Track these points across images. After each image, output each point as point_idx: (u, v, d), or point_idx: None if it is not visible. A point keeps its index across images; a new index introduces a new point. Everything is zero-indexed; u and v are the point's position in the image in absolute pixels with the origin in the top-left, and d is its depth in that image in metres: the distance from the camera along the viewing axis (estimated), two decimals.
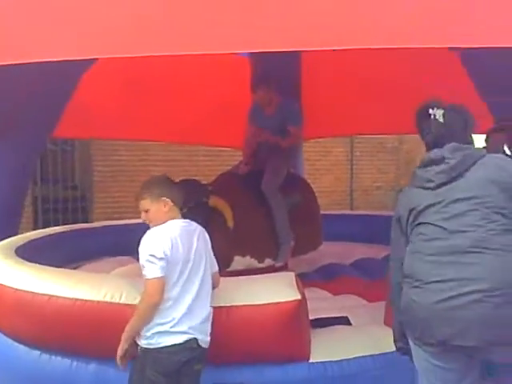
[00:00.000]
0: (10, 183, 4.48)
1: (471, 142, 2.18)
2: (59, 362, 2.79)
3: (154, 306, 2.25)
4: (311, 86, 5.63)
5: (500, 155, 2.23)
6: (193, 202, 3.83)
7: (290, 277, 2.85)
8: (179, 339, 2.27)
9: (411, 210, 2.10)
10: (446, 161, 2.05)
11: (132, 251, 4.90)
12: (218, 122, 6.06)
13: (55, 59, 1.95)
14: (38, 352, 2.85)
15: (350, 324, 3.16)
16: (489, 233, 1.93)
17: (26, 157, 4.63)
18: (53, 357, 2.81)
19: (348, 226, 5.74)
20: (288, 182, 4.47)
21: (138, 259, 5.20)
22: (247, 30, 1.86)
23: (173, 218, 2.41)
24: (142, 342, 2.31)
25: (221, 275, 2.86)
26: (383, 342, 2.83)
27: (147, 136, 6.64)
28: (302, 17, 1.80)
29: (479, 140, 2.52)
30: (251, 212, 4.18)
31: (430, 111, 2.15)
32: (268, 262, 4.21)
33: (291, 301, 2.61)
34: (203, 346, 2.34)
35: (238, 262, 4.04)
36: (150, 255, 2.25)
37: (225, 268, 3.97)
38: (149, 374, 2.25)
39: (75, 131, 5.78)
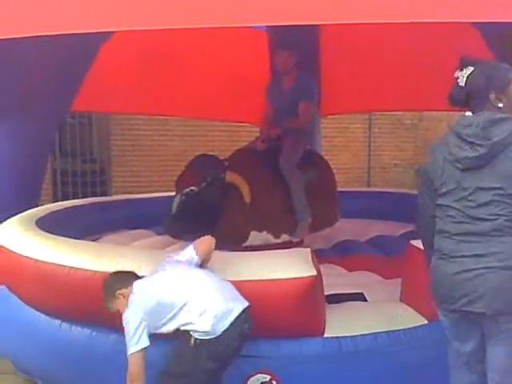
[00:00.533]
0: (30, 155, 4.52)
1: (496, 101, 2.10)
2: (79, 332, 2.86)
3: (136, 379, 2.32)
4: (330, 61, 5.56)
5: None
6: (210, 178, 3.86)
7: (305, 253, 2.86)
8: (232, 317, 2.34)
9: (440, 185, 2.15)
10: (477, 148, 2.04)
11: (150, 224, 4.99)
12: (235, 97, 6.02)
13: (73, 32, 1.96)
14: (58, 321, 2.93)
15: (365, 300, 3.17)
16: (510, 220, 2.03)
17: (46, 129, 4.66)
18: (73, 326, 2.88)
19: (365, 204, 5.71)
20: (305, 159, 4.46)
21: (155, 232, 5.28)
22: (265, 2, 1.84)
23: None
24: (196, 334, 2.33)
25: (237, 250, 2.88)
26: (398, 318, 2.85)
27: (164, 111, 6.62)
28: None
29: None
30: (268, 188, 4.18)
31: (456, 73, 2.15)
32: (284, 237, 4.22)
33: (307, 276, 2.62)
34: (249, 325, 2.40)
35: (255, 237, 4.06)
36: (128, 335, 2.35)
37: (241, 243, 4.00)
38: (203, 362, 2.31)
39: (92, 105, 5.79)
